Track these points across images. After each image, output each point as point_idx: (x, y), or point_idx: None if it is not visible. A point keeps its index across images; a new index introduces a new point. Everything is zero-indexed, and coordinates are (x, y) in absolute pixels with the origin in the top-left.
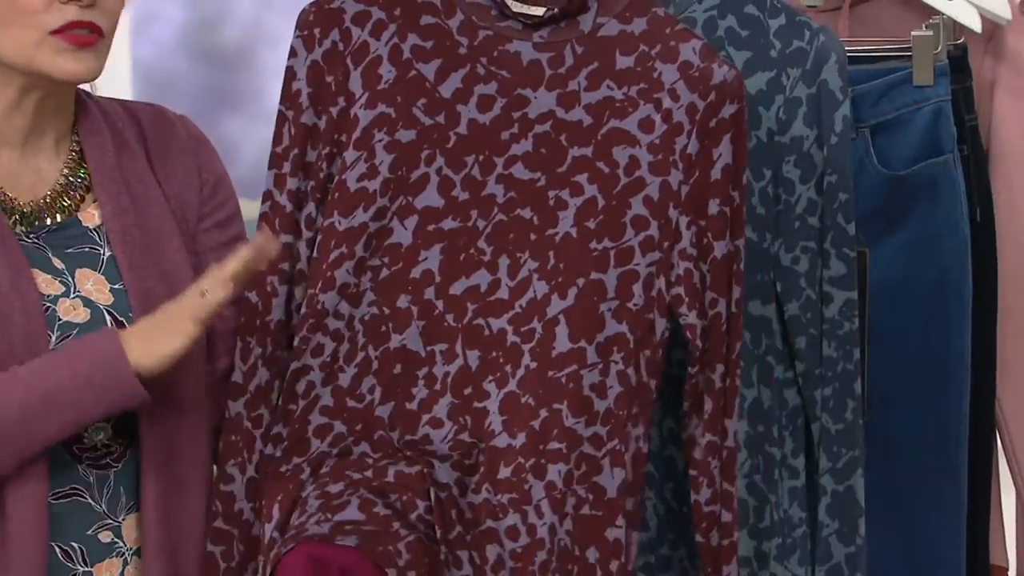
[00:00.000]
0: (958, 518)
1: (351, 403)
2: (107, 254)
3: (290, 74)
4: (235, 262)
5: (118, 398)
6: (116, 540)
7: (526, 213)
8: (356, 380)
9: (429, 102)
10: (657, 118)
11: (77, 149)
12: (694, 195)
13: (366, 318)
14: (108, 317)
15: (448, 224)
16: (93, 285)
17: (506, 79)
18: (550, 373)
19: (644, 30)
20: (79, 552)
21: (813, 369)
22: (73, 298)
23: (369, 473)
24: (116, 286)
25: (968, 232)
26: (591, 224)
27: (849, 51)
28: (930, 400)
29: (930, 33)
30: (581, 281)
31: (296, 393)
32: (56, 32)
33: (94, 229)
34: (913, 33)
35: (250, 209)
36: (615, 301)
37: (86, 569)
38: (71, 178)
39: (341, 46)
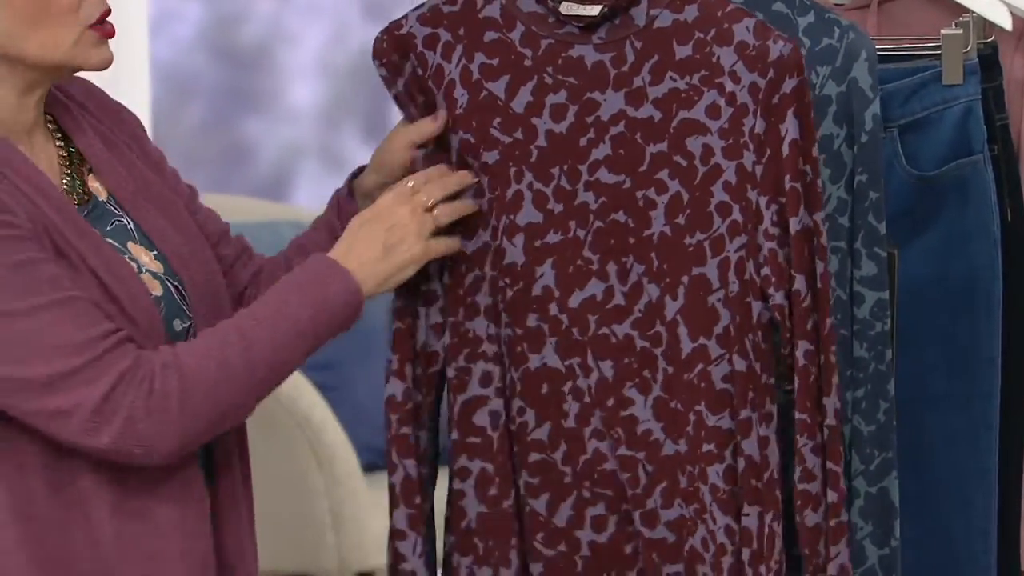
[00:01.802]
0: (987, 522)
1: (510, 426)
2: (131, 224)
3: (397, 102)
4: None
5: (346, 323)
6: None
7: (620, 217)
8: (508, 404)
9: (504, 120)
10: (722, 103)
11: (55, 127)
12: (768, 174)
13: (507, 340)
14: (169, 285)
15: (552, 238)
16: (145, 256)
17: (574, 85)
18: (685, 376)
19: (697, 16)
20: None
21: (844, 370)
22: (144, 272)
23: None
24: (155, 252)
25: (998, 233)
26: (681, 220)
27: (877, 49)
28: (959, 403)
29: (960, 31)
30: (686, 278)
31: (479, 426)
32: (92, 26)
33: (107, 202)
34: (942, 31)
35: (271, 211)
36: (721, 291)
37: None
38: (69, 157)
39: (420, 71)
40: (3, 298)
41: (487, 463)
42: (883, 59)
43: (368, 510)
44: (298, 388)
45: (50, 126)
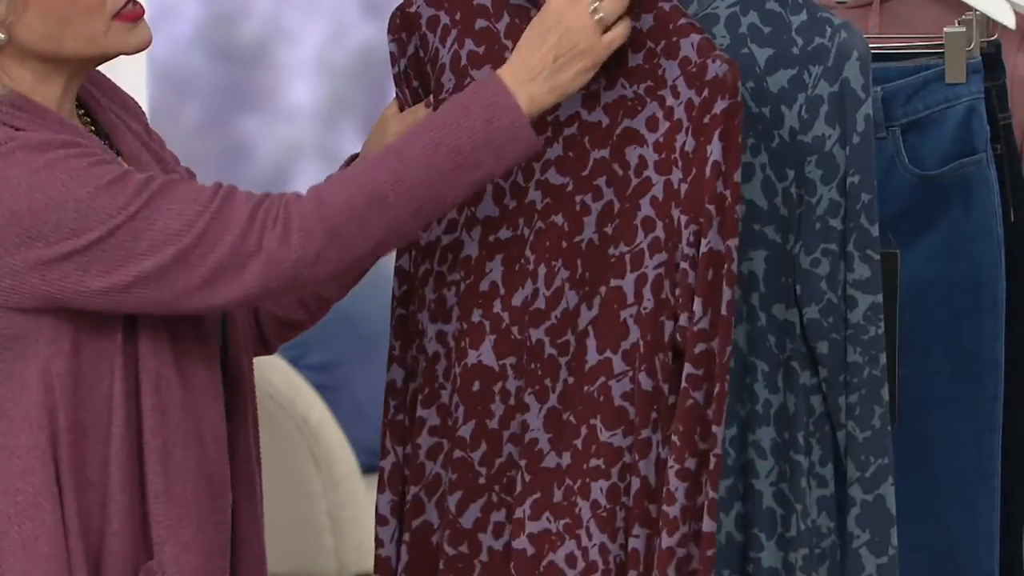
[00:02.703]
0: (991, 525)
1: (448, 421)
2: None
3: (395, 81)
4: None
5: (517, 154)
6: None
7: (559, 219)
8: (450, 397)
9: None
10: (661, 115)
11: (82, 112)
12: (692, 194)
13: (455, 334)
14: None
15: (504, 234)
16: None
17: None
18: (585, 387)
19: (651, 26)
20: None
21: (837, 375)
22: None
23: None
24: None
25: (1002, 233)
26: (609, 229)
27: (879, 48)
28: (963, 405)
29: (963, 29)
30: (603, 289)
31: (414, 414)
32: (117, 16)
33: None
34: (945, 29)
35: None
36: (635, 307)
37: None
38: (96, 133)
39: (421, 52)
40: (116, 213)
41: (407, 454)
42: (885, 57)
43: (367, 512)
44: (296, 389)
45: (80, 111)
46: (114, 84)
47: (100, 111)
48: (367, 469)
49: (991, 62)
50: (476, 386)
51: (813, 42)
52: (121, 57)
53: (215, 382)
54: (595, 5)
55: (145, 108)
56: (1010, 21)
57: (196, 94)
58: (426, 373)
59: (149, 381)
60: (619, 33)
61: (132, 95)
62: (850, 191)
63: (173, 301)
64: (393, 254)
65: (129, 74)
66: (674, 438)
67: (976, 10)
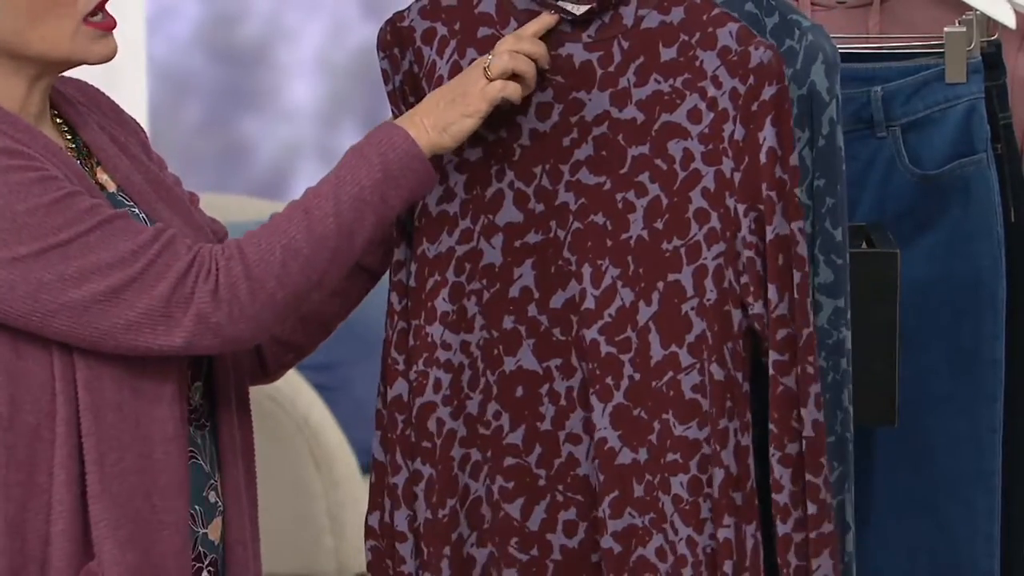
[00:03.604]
0: (991, 525)
1: (481, 430)
2: (142, 214)
3: (389, 99)
4: (529, 26)
5: (416, 185)
6: (217, 500)
7: (599, 219)
8: (482, 407)
9: (489, 117)
10: (703, 107)
11: (60, 119)
12: (746, 181)
13: (481, 343)
14: None
15: (532, 238)
16: None
17: (560, 84)
18: (653, 383)
19: (683, 19)
20: (199, 514)
21: None
22: None
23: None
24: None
25: (1002, 233)
26: (659, 224)
27: (880, 48)
28: (963, 405)
29: (963, 29)
30: (661, 284)
31: (429, 431)
32: (88, 19)
33: (116, 193)
34: (946, 29)
35: (269, 210)
36: (695, 299)
37: (204, 531)
38: (76, 149)
39: (416, 67)
40: (50, 234)
41: (433, 469)
42: (885, 57)
43: None
44: (296, 389)
45: (57, 120)
46: (114, 103)
47: (81, 124)
48: (367, 470)
49: (991, 62)
50: (520, 391)
51: (783, 44)
52: (119, 58)
53: (168, 383)
54: (488, 60)
55: (144, 108)
56: (1010, 21)
57: (196, 94)
58: (452, 385)
59: (83, 380)
60: (496, 86)
61: (132, 95)
62: (816, 195)
63: (95, 339)
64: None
65: (128, 74)
66: (771, 426)
67: (976, 10)
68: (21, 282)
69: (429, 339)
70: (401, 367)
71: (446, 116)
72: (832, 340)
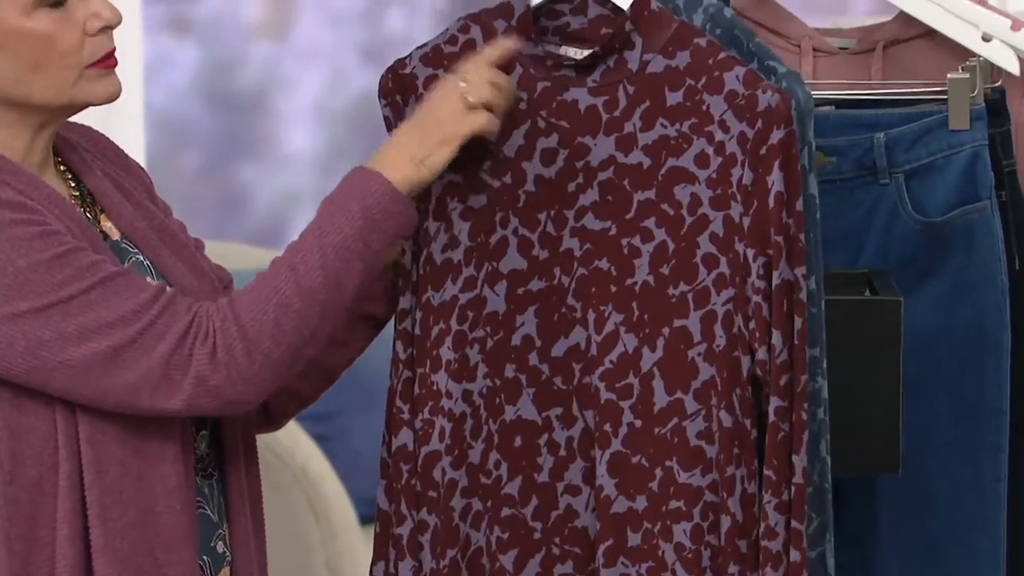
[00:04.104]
0: (996, 574)
1: (483, 480)
2: (146, 262)
3: None
4: (489, 51)
5: (398, 227)
6: (225, 550)
7: (603, 264)
8: (483, 456)
9: (494, 163)
10: (711, 152)
11: (64, 166)
12: (756, 226)
13: (484, 392)
14: None
15: (536, 285)
16: None
17: (566, 129)
18: (656, 430)
19: (689, 63)
20: (207, 564)
21: None
22: None
23: None
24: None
25: (1006, 281)
26: (665, 270)
27: (883, 94)
28: (967, 454)
29: (966, 76)
30: (666, 330)
31: (435, 480)
32: (91, 64)
33: (120, 241)
34: (949, 76)
35: (267, 258)
36: (703, 345)
37: None
38: (80, 197)
39: None
40: (51, 290)
41: (438, 519)
42: (888, 103)
43: (365, 564)
44: (295, 439)
45: (60, 167)
46: (119, 149)
47: (86, 171)
48: (365, 520)
49: (995, 108)
50: (518, 441)
51: None
52: (116, 106)
53: (171, 436)
54: (463, 86)
55: (142, 156)
56: (1014, 67)
57: (193, 142)
58: (453, 434)
59: (86, 435)
60: (481, 119)
61: (129, 143)
62: None
63: (96, 398)
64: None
65: (126, 122)
66: (769, 473)
67: (980, 56)
68: (21, 339)
69: (434, 388)
70: (406, 416)
71: (423, 148)
72: (809, 390)
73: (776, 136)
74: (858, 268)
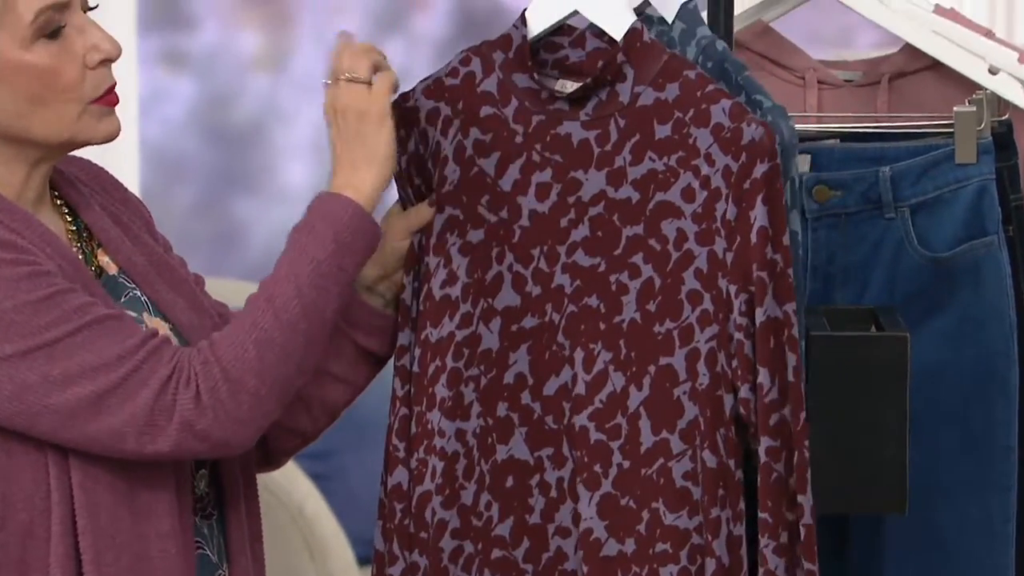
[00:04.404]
0: None
1: (474, 521)
2: (144, 297)
3: (395, 181)
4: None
5: (366, 246)
6: None
7: (592, 301)
8: (476, 496)
9: (492, 198)
10: (697, 186)
11: (60, 201)
12: (738, 262)
13: (477, 431)
14: None
15: (528, 322)
16: (162, 330)
17: (559, 163)
18: (643, 471)
19: (677, 95)
20: None
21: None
22: None
23: None
24: (169, 326)
25: (1014, 317)
26: (651, 307)
27: (888, 127)
28: (975, 493)
29: (973, 109)
30: (652, 368)
31: (427, 521)
32: (95, 100)
33: (118, 276)
34: (955, 109)
35: None
36: (688, 383)
37: None
38: (77, 232)
39: (421, 148)
40: (37, 333)
41: (428, 560)
42: (894, 137)
43: None
44: (291, 478)
45: (57, 201)
46: (118, 182)
47: (83, 206)
48: (363, 561)
49: (1002, 142)
50: (510, 482)
51: None
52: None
53: (167, 477)
54: (344, 75)
55: (137, 191)
56: (1021, 100)
57: (189, 176)
58: (445, 474)
59: (78, 480)
60: (384, 81)
61: (124, 177)
62: None
63: (83, 443)
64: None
65: (120, 156)
66: (764, 515)
67: (987, 89)
68: (6, 382)
69: (430, 426)
70: (402, 455)
71: (365, 148)
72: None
73: (759, 170)
74: (864, 304)
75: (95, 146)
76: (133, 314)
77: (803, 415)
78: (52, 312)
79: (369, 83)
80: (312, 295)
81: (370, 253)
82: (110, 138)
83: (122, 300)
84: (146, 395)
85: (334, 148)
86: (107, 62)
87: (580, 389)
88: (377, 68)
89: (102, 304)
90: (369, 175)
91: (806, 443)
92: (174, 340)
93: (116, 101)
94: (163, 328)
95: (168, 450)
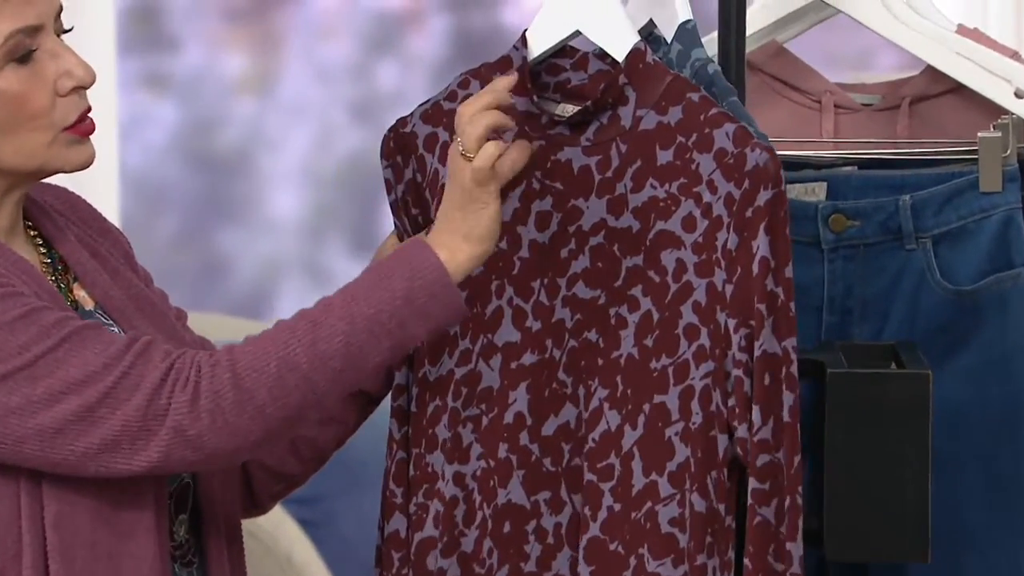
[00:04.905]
0: None
1: (477, 569)
2: (122, 333)
3: (392, 210)
4: (480, 99)
5: (442, 316)
6: None
7: (592, 336)
8: (478, 544)
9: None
10: (698, 214)
11: (35, 232)
12: (738, 295)
13: (478, 474)
14: None
15: (528, 359)
16: None
17: (559, 191)
18: (633, 514)
19: (680, 119)
20: None
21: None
22: None
23: None
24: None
25: None
26: (649, 341)
27: (908, 153)
28: (1002, 539)
29: (998, 134)
30: (647, 407)
31: (429, 569)
32: (68, 128)
33: (94, 311)
34: (979, 134)
35: (249, 329)
36: (680, 423)
37: None
38: (51, 264)
39: (419, 177)
40: (14, 355)
41: None
42: (915, 164)
43: None
44: (278, 524)
45: (31, 232)
46: (96, 212)
47: (58, 238)
48: None
49: None
50: (507, 527)
51: None
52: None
53: (146, 518)
54: (458, 140)
55: (116, 220)
56: None
57: (171, 205)
58: (444, 520)
59: (51, 519)
60: (485, 155)
61: (103, 206)
62: None
63: (71, 463)
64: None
65: (99, 184)
66: (746, 561)
67: (1012, 113)
68: None
69: (429, 469)
70: (400, 500)
71: (467, 222)
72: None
73: (763, 197)
74: (883, 339)
75: (71, 173)
76: None
77: (798, 459)
78: (29, 330)
79: (472, 156)
80: (361, 339)
81: (445, 323)
82: (83, 167)
83: None
84: (138, 400)
85: (442, 204)
86: (80, 89)
87: (581, 429)
88: (497, 130)
89: (79, 318)
90: (467, 246)
91: (799, 488)
92: None
93: (91, 129)
94: None
95: (158, 458)
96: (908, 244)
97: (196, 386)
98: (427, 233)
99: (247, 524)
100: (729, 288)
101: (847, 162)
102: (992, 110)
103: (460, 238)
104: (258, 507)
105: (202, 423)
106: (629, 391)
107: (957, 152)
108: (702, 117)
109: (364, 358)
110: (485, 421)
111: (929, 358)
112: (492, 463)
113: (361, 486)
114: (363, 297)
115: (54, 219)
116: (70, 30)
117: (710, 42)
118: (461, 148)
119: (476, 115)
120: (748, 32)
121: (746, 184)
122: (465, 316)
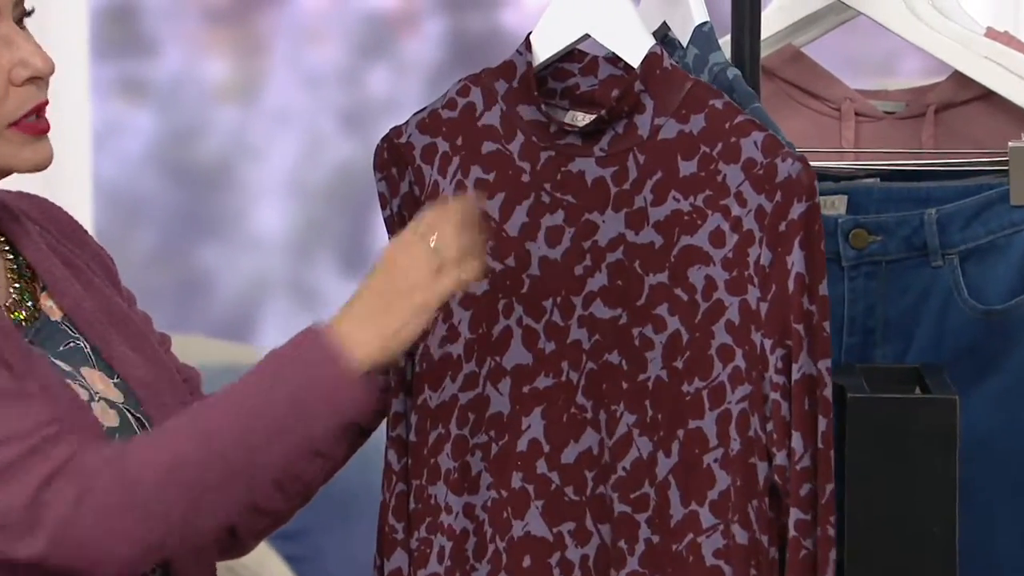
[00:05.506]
0: None
1: None
2: (88, 347)
3: (386, 225)
4: (456, 203)
5: (345, 411)
6: None
7: (614, 358)
8: None
9: (497, 244)
10: (727, 228)
11: (2, 237)
12: (774, 313)
13: (488, 504)
14: (130, 416)
15: (542, 382)
16: (101, 383)
17: (572, 205)
18: (673, 547)
19: (703, 127)
20: None
21: None
22: (98, 401)
23: None
24: (115, 380)
25: None
26: (679, 363)
27: (934, 165)
28: None
29: None
30: (681, 432)
31: None
32: (15, 124)
33: (60, 322)
34: (1010, 144)
35: (231, 352)
36: (720, 449)
37: None
38: (18, 271)
39: (417, 190)
40: None
41: None
42: (941, 175)
43: None
44: (261, 561)
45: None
46: (77, 224)
47: (26, 243)
48: None
49: None
50: (527, 561)
51: None
52: (61, 178)
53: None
54: (432, 238)
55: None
56: None
57: (148, 220)
58: (453, 555)
59: None
60: (453, 277)
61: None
62: None
63: None
64: (385, 423)
65: (71, 195)
66: None
67: None
68: None
69: (432, 501)
70: (400, 536)
71: (393, 318)
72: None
73: (796, 210)
74: (907, 362)
75: (40, 183)
76: (67, 368)
77: (831, 487)
78: None
79: (442, 268)
80: (256, 445)
81: (350, 417)
82: (37, 166)
83: (60, 349)
84: (32, 481)
85: (360, 289)
86: (36, 80)
87: (606, 456)
88: (462, 259)
89: (6, 376)
90: (376, 347)
91: (832, 519)
92: (117, 396)
93: (44, 129)
94: (103, 382)
95: (38, 554)
96: (934, 261)
97: (86, 484)
98: (343, 309)
99: (229, 562)
100: (764, 306)
101: (869, 174)
102: (1023, 118)
103: (375, 335)
104: (240, 547)
105: (86, 522)
106: (660, 416)
107: (986, 163)
108: (727, 125)
109: (263, 462)
110: (495, 448)
111: (956, 382)
112: (505, 493)
113: (350, 519)
114: (256, 394)
115: (23, 224)
116: (31, 12)
117: (723, 46)
118: (437, 247)
119: (464, 226)
120: (763, 35)
121: (778, 196)
122: (366, 409)
